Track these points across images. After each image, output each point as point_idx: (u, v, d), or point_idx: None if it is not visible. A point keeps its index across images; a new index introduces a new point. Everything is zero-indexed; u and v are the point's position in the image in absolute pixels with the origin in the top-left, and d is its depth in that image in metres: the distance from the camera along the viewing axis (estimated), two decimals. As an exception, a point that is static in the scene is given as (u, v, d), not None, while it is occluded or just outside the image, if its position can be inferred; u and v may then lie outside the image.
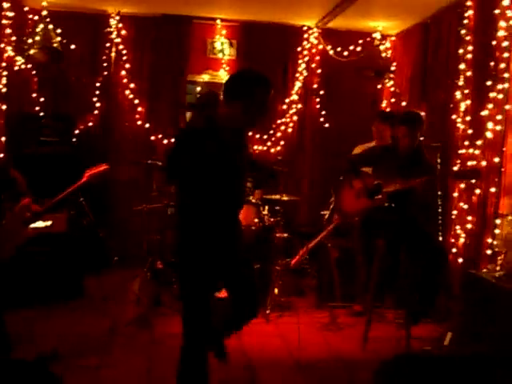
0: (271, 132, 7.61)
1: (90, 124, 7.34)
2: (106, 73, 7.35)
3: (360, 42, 7.57)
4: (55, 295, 5.63)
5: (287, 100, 7.67)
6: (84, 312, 5.46)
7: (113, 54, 7.37)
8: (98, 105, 7.35)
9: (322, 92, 7.74)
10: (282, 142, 7.67)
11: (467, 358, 2.96)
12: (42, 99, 7.16)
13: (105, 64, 7.34)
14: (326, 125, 7.74)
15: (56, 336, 4.79)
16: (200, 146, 3.26)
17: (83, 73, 7.33)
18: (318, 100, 7.76)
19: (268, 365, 4.45)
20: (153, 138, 7.42)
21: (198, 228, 3.43)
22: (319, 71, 7.75)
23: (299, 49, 7.66)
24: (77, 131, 7.21)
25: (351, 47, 7.58)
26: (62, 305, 5.54)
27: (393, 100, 7.59)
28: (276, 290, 5.77)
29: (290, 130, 7.71)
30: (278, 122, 7.65)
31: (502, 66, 5.13)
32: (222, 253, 3.51)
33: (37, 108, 7.13)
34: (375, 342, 4.92)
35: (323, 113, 7.75)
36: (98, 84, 7.32)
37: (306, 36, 7.66)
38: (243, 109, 3.37)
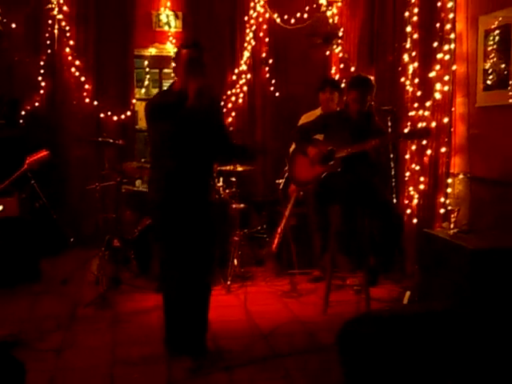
0: (222, 103, 7.54)
1: (37, 104, 7.16)
2: (49, 51, 7.15)
3: (306, 8, 7.51)
4: (12, 280, 5.54)
5: (236, 70, 7.59)
6: (42, 295, 5.37)
7: (56, 31, 7.16)
8: (43, 84, 7.16)
9: (270, 61, 7.70)
10: (233, 113, 7.61)
11: (424, 315, 3.03)
12: (-16, 82, 6.94)
13: (48, 42, 7.13)
14: (277, 94, 7.72)
15: (15, 320, 4.71)
16: None
17: (26, 52, 7.10)
18: (267, 69, 7.72)
19: (231, 335, 4.46)
20: (102, 115, 7.29)
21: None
22: (267, 40, 7.69)
23: (246, 18, 7.57)
24: (23, 112, 7.03)
25: (298, 14, 7.52)
26: (20, 289, 5.45)
27: (342, 66, 7.60)
28: (235, 261, 5.79)
29: (240, 100, 7.65)
30: (228, 93, 7.59)
31: (448, 27, 5.20)
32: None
33: (-21, 91, 6.91)
34: (336, 306, 5.00)
35: (273, 82, 7.72)
36: (42, 63, 7.13)
37: (252, 5, 7.55)
38: None
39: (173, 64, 4.09)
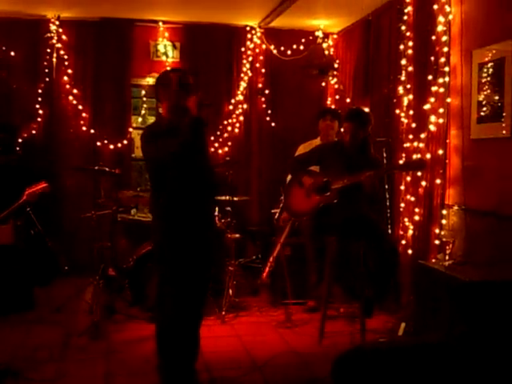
0: (218, 133, 7.61)
1: (34, 132, 7.20)
2: (47, 79, 7.21)
3: (303, 40, 7.62)
4: (5, 308, 5.49)
5: (233, 100, 7.68)
6: (36, 324, 5.33)
7: (54, 60, 7.22)
8: (40, 112, 7.21)
9: (267, 91, 7.79)
10: (229, 143, 7.67)
11: (419, 347, 3.02)
12: (-19, 109, 6.98)
13: (46, 70, 7.19)
14: (273, 124, 7.79)
15: (8, 349, 4.67)
16: None
17: (24, 80, 7.17)
18: (263, 99, 7.80)
19: (225, 366, 4.44)
20: (99, 143, 7.33)
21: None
22: (263, 71, 7.79)
23: (243, 49, 7.67)
24: (20, 140, 7.06)
25: (294, 46, 7.63)
26: (13, 317, 5.40)
27: (337, 97, 7.68)
28: (230, 291, 5.77)
29: (236, 130, 7.72)
30: (225, 122, 7.65)
31: (442, 60, 5.24)
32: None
33: (-23, 118, 6.94)
34: (331, 337, 4.97)
35: (269, 112, 7.80)
36: (40, 91, 7.18)
37: (249, 36, 7.67)
38: None
39: (158, 89, 3.90)
